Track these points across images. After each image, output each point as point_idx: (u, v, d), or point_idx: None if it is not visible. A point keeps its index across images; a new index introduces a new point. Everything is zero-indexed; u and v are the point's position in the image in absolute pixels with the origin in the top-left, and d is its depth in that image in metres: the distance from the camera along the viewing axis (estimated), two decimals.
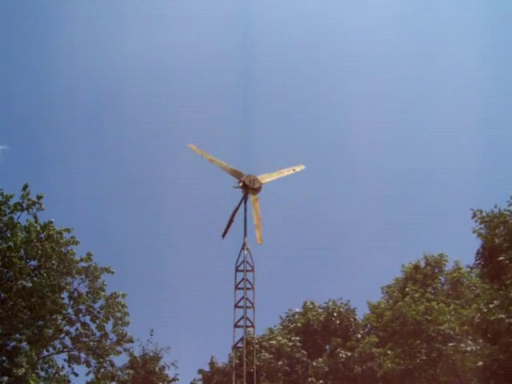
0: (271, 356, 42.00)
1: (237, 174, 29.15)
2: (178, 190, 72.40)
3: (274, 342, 43.21)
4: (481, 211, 30.72)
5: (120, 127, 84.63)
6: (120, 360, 37.58)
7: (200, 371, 45.87)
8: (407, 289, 41.05)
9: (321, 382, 40.11)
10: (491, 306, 28.28)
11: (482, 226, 30.57)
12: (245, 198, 28.82)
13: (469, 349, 32.30)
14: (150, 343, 43.40)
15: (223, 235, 29.02)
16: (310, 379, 39.95)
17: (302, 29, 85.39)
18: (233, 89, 78.23)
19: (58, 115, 79.26)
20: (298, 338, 43.25)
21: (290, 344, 42.54)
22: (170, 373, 43.59)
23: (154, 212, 75.02)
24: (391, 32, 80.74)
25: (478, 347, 31.91)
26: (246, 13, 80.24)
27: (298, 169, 31.18)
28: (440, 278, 44.85)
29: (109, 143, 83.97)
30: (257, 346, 42.28)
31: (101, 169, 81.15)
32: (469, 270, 42.94)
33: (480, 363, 29.06)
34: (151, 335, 43.41)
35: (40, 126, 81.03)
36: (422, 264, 45.42)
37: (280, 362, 41.64)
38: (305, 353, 42.30)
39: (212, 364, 45.38)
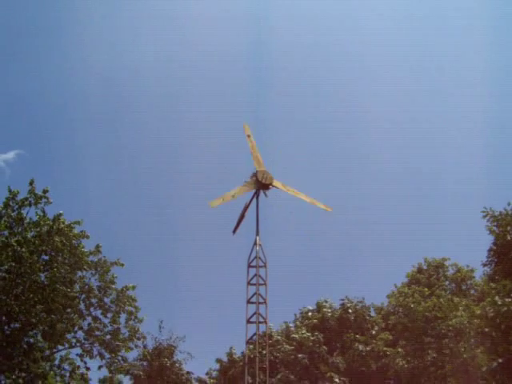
0: (292, 348, 42.07)
1: (252, 183, 28.51)
2: (190, 185, 72.59)
3: (296, 336, 43.28)
4: (492, 210, 30.85)
5: (132, 125, 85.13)
6: (133, 352, 37.69)
7: (218, 360, 46.05)
8: (410, 291, 41.09)
9: (341, 378, 40.25)
10: (508, 300, 28.25)
11: (494, 224, 30.66)
12: (256, 194, 28.56)
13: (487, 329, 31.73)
14: (162, 334, 43.88)
15: (234, 231, 28.97)
16: (328, 374, 40.17)
17: (315, 29, 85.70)
18: (246, 88, 78.65)
19: (71, 117, 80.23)
20: (321, 334, 43.27)
21: (312, 338, 42.62)
22: (184, 366, 44.18)
23: (166, 210, 75.76)
24: (404, 33, 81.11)
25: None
26: (259, 13, 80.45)
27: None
28: (444, 280, 44.90)
29: (121, 140, 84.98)
30: (278, 337, 42.48)
31: (114, 165, 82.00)
32: (476, 268, 42.94)
33: (495, 364, 29.01)
34: (161, 327, 43.82)
35: (54, 129, 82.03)
36: (425, 267, 45.60)
37: (300, 355, 41.72)
38: (326, 348, 42.43)
39: (230, 355, 45.40)
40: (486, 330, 31.44)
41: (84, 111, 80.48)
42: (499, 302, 28.60)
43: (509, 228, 30.42)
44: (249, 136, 29.77)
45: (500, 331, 29.35)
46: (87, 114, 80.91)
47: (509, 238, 30.11)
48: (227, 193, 28.01)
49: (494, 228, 30.55)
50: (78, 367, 33.60)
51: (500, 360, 29.49)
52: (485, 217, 30.78)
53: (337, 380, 40.39)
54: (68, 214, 32.86)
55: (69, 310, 32.58)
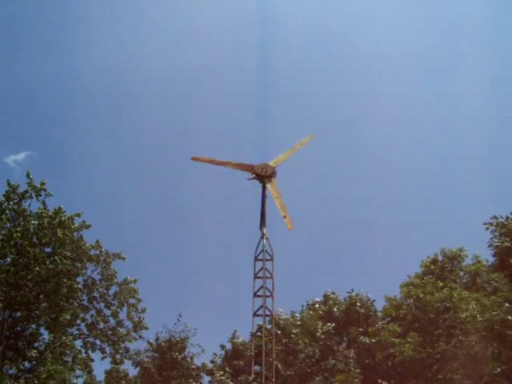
0: (298, 331, 41.63)
1: (247, 168, 27.85)
2: (196, 178, 71.87)
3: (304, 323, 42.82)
4: (496, 217, 30.62)
5: (138, 118, 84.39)
6: (141, 343, 38.76)
7: (221, 346, 45.32)
8: (423, 282, 40.54)
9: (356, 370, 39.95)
10: (508, 305, 28.08)
11: (497, 233, 30.60)
12: (263, 187, 27.91)
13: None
14: (177, 326, 43.61)
15: (260, 227, 28.37)
16: (335, 364, 39.89)
17: (318, 21, 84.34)
18: (250, 85, 77.84)
19: (79, 119, 79.71)
20: (332, 325, 42.75)
21: (324, 330, 42.24)
22: (195, 360, 43.76)
23: (175, 205, 75.38)
24: (413, 32, 79.69)
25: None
26: (265, 11, 79.63)
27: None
28: (459, 271, 44.18)
29: (127, 133, 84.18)
30: (288, 317, 42.16)
31: (121, 163, 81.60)
32: (488, 264, 42.19)
33: (498, 370, 28.70)
34: (178, 320, 43.60)
35: (64, 130, 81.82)
36: (440, 258, 44.85)
37: (311, 347, 41.23)
38: (337, 340, 42.08)
39: (235, 343, 44.52)
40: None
41: (92, 110, 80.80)
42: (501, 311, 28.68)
43: (508, 238, 30.43)
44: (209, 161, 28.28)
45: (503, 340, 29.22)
46: (94, 113, 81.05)
47: (505, 245, 30.20)
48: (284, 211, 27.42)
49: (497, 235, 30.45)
50: (80, 352, 33.68)
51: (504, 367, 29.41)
52: (487, 229, 30.68)
53: (356, 374, 39.94)
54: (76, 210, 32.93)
55: (71, 300, 32.47)
